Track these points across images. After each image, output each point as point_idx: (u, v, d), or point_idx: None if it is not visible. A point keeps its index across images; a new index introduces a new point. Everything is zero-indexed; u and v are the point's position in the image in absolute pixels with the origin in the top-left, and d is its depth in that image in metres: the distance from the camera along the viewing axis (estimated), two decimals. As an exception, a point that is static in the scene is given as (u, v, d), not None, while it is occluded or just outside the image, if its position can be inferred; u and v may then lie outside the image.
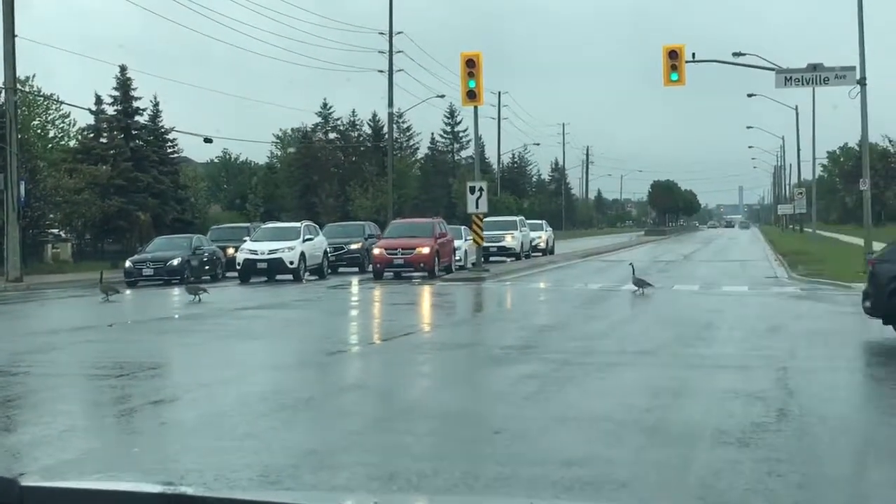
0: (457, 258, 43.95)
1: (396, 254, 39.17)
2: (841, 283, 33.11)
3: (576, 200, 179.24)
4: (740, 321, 22.55)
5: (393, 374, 15.54)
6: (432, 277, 38.80)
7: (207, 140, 68.37)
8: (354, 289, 35.79)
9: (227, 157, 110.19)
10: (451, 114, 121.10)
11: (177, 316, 25.74)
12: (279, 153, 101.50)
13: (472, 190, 41.08)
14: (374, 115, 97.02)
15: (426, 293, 33.05)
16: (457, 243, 44.02)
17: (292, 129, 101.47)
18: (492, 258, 51.50)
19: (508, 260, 52.03)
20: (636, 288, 30.69)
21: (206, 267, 42.52)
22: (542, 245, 59.90)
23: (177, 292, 35.34)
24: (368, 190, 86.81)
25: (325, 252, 43.32)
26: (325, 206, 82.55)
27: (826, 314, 24.54)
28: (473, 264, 42.83)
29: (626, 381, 13.94)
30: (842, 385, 13.89)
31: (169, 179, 66.97)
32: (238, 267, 40.84)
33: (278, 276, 40.47)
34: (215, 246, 44.63)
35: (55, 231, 59.24)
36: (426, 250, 39.06)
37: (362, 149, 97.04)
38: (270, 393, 12.91)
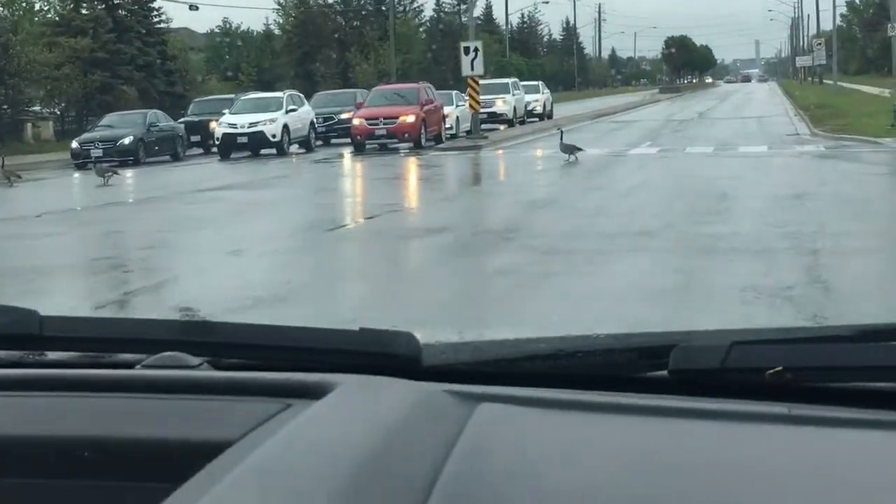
0: (447, 126, 40.88)
1: (378, 124, 35.90)
2: (868, 139, 30.09)
3: (589, 60, 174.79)
4: (759, 189, 19.72)
5: (333, 275, 12.78)
6: (419, 148, 35.76)
7: (193, 7, 65.35)
8: (335, 163, 32.85)
9: (228, 26, 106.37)
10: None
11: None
12: (280, 20, 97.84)
13: (467, 50, 37.92)
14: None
15: (410, 166, 30.18)
16: (447, 110, 40.86)
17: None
18: (483, 125, 48.15)
19: (501, 127, 48.20)
20: (565, 155, 27.71)
21: (164, 145, 39.09)
22: (539, 109, 55.32)
23: (129, 174, 32.58)
24: (370, 56, 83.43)
25: (312, 123, 40.25)
26: (324, 73, 79.22)
27: (856, 176, 21.67)
28: (468, 132, 39.81)
29: (618, 278, 11.14)
30: (891, 274, 11.14)
31: (156, 51, 63.61)
32: (216, 142, 37.95)
33: (262, 151, 37.55)
34: (181, 120, 41.30)
35: (36, 109, 56.14)
36: (411, 119, 35.79)
37: (364, 13, 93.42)
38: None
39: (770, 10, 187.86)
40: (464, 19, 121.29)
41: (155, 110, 41.58)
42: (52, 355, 1.78)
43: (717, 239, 13.47)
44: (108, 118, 40.99)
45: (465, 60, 37.69)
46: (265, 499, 1.16)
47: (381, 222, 16.88)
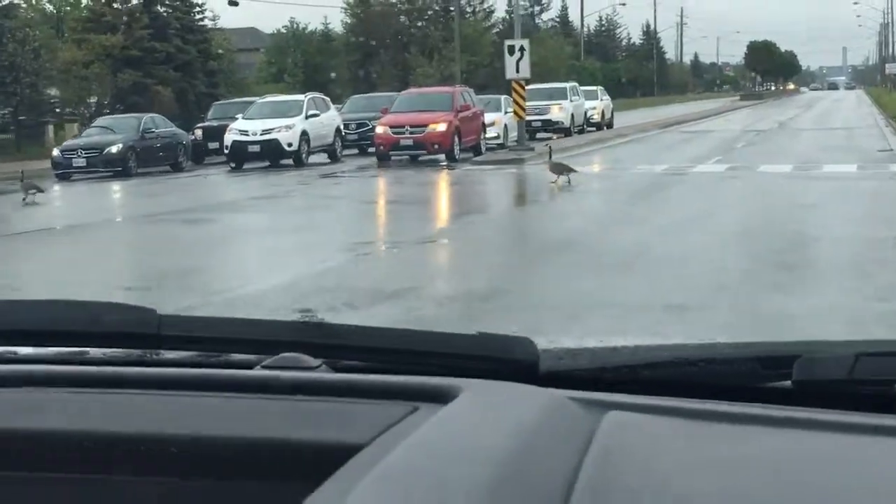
0: (493, 135, 36.19)
1: (404, 132, 31.20)
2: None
3: (670, 65, 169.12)
4: (849, 226, 14.93)
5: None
6: (452, 160, 31.10)
7: (233, 3, 61.30)
8: (343, 179, 28.29)
9: (295, 26, 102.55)
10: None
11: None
12: (348, 20, 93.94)
13: (511, 50, 33.27)
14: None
15: (433, 183, 25.59)
16: (492, 117, 36.15)
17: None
18: (537, 135, 43.36)
19: (555, 136, 43.45)
20: (554, 176, 22.96)
21: (161, 154, 34.55)
22: (597, 117, 49.94)
23: (117, 187, 28.35)
24: (434, 58, 79.22)
25: (339, 130, 35.78)
26: (382, 75, 75.01)
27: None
28: (517, 142, 35.15)
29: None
30: None
31: (196, 49, 59.56)
32: (226, 151, 33.62)
33: (279, 161, 33.16)
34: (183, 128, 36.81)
35: (61, 111, 52.30)
36: (441, 127, 31.05)
37: (429, 13, 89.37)
38: None
39: (858, 17, 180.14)
40: (538, 21, 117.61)
41: (153, 115, 37.17)
42: (170, 354, 1.78)
43: (784, 326, 8.75)
44: (99, 122, 36.81)
45: (510, 61, 33.07)
46: (408, 501, 1.17)
47: (355, 267, 12.28)
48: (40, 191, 23.27)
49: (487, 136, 35.83)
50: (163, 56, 56.32)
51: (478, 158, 32.10)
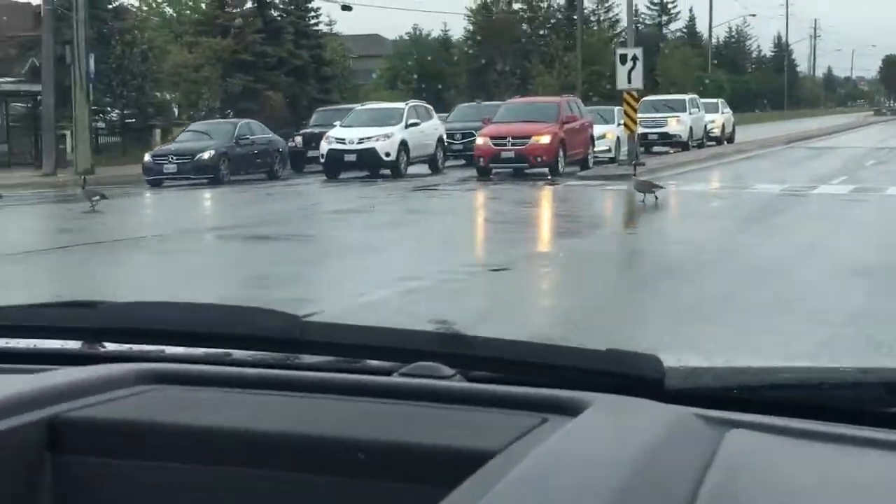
0: (604, 148, 34.29)
1: (505, 144, 29.44)
2: None
3: (802, 78, 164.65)
4: None
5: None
6: (556, 174, 29.29)
7: (346, 7, 60.27)
8: (436, 192, 26.68)
9: (418, 33, 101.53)
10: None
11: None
12: (471, 28, 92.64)
13: (623, 59, 31.37)
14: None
15: (529, 200, 23.80)
16: (603, 129, 34.28)
17: (477, 2, 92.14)
18: (653, 148, 41.25)
19: (672, 150, 41.38)
20: (640, 194, 21.29)
21: (256, 161, 33.22)
22: (717, 131, 47.41)
23: (207, 195, 27.09)
24: (555, 67, 77.58)
25: (441, 140, 34.23)
26: (500, 83, 73.46)
27: None
28: (627, 156, 33.22)
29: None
30: None
31: (308, 54, 58.54)
32: (322, 159, 32.29)
33: (377, 171, 31.73)
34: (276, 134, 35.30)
35: (176, 113, 51.67)
36: (545, 139, 29.25)
37: (552, 21, 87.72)
38: None
39: None
40: (665, 31, 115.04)
41: (249, 120, 35.93)
42: (311, 358, 1.83)
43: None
44: (193, 126, 35.73)
45: (621, 71, 31.17)
46: None
47: (401, 300, 10.69)
48: (103, 197, 22.10)
49: (598, 149, 34.05)
50: (274, 61, 55.41)
51: (584, 173, 30.28)
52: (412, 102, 35.48)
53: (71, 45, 37.36)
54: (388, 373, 1.73)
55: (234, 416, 1.52)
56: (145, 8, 60.22)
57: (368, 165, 31.59)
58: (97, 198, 21.86)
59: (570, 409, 1.50)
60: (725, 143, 47.35)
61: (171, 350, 1.87)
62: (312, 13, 61.21)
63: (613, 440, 1.41)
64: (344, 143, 31.46)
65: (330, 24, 68.68)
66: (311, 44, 59.78)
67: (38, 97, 39.94)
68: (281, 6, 59.62)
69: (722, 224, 18.54)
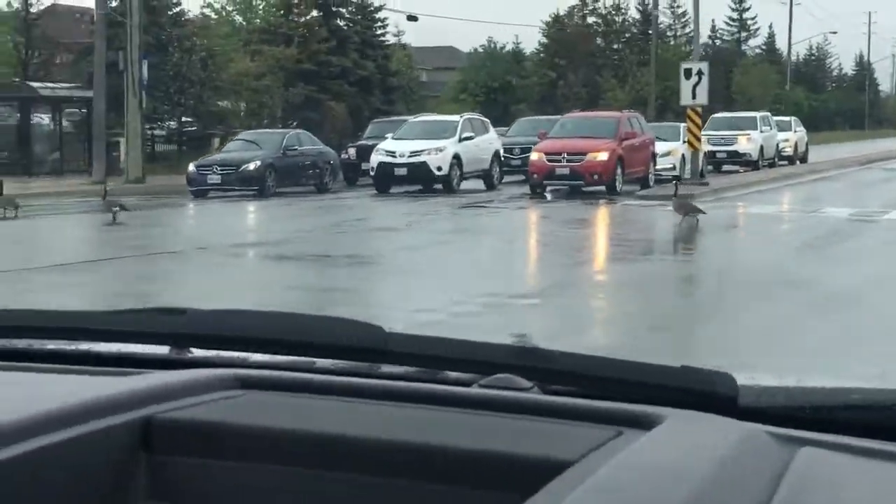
0: (668, 166, 32.85)
1: (560, 160, 28.07)
2: None
3: (886, 98, 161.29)
4: None
5: None
6: (613, 193, 27.94)
7: (411, 17, 59.35)
8: (491, 209, 25.47)
9: (491, 45, 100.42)
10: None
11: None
12: (545, 40, 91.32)
13: (688, 73, 30.00)
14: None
15: (582, 220, 22.49)
16: (667, 146, 32.84)
17: (551, 15, 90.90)
18: (722, 167, 39.71)
19: (742, 169, 39.77)
20: (679, 217, 20.00)
21: (305, 173, 32.12)
22: (789, 150, 45.62)
23: (246, 208, 26.10)
24: (627, 81, 76.27)
25: (497, 155, 32.98)
26: (569, 96, 72.16)
27: None
28: (690, 176, 31.82)
29: None
30: None
31: (374, 65, 57.57)
32: (371, 172, 31.22)
33: (429, 185, 30.58)
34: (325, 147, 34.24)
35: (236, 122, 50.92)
36: (603, 156, 27.88)
37: (627, 35, 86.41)
38: None
39: None
40: (744, 48, 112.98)
41: (298, 131, 34.93)
42: (393, 369, 1.87)
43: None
44: (242, 136, 34.75)
45: (685, 86, 29.82)
46: None
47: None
48: (124, 209, 21.13)
49: (662, 167, 32.64)
50: (338, 70, 54.50)
51: (643, 192, 28.89)
52: (467, 115, 34.30)
53: (124, 51, 36.67)
54: (468, 384, 1.77)
55: (317, 421, 1.56)
56: (215, 16, 59.83)
57: (419, 180, 30.48)
58: (117, 209, 20.92)
59: (645, 423, 1.53)
60: (798, 162, 45.66)
61: (255, 357, 1.91)
62: (379, 23, 60.35)
63: (687, 454, 1.41)
64: (394, 157, 30.37)
65: (398, 34, 67.97)
66: (377, 54, 58.87)
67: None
68: (347, 16, 58.76)
69: (780, 251, 17.16)
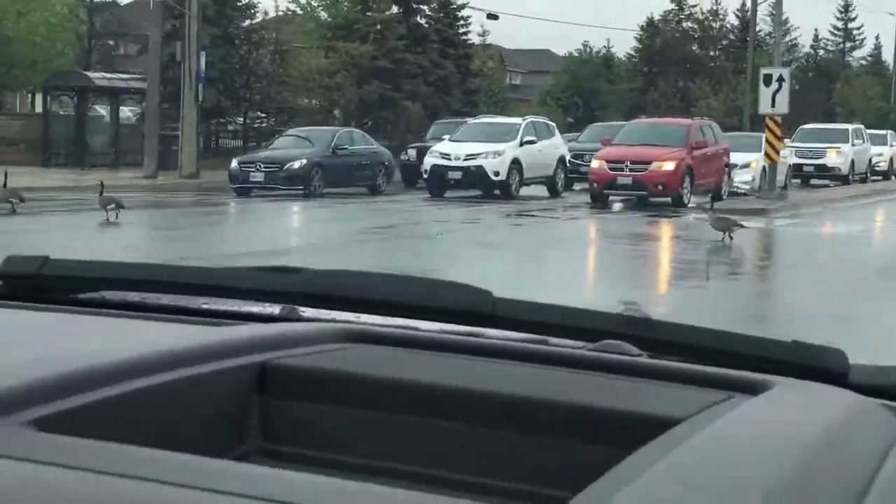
0: (746, 178, 30.63)
1: (622, 169, 26.08)
2: None
3: None
4: None
5: None
6: (678, 206, 25.73)
7: (492, 16, 57.64)
8: (540, 218, 23.47)
9: (587, 49, 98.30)
10: (845, 7, 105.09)
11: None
12: (638, 45, 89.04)
13: (767, 80, 27.75)
14: (743, 4, 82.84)
15: (636, 236, 20.35)
16: (746, 157, 30.59)
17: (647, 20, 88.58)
18: (811, 181, 37.32)
19: (831, 184, 37.33)
20: (719, 234, 18.19)
21: (356, 173, 30.27)
22: (883, 165, 42.91)
23: (281, 208, 24.37)
24: (722, 89, 73.89)
25: (562, 161, 30.99)
26: (660, 103, 69.92)
27: None
28: (782, 188, 29.53)
29: None
30: None
31: (454, 65, 55.73)
32: (424, 175, 29.45)
33: (489, 190, 28.69)
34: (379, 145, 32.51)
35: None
36: (669, 166, 25.72)
37: (724, 42, 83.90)
38: None
39: None
40: (848, 58, 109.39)
41: (350, 129, 33.24)
42: (499, 333, 1.86)
43: None
44: (292, 132, 33.12)
45: (765, 93, 27.59)
46: (721, 472, 1.22)
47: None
48: (121, 206, 19.46)
49: (740, 179, 30.52)
50: (415, 69, 52.75)
51: (714, 205, 26.63)
52: (530, 118, 32.34)
53: (182, 42, 35.33)
54: (577, 350, 1.77)
55: (426, 373, 1.59)
56: (300, 11, 58.63)
57: (475, 184, 28.61)
58: (112, 206, 19.28)
59: (757, 389, 1.53)
60: (893, 178, 43.02)
61: (365, 318, 1.93)
62: (462, 22, 58.51)
63: (796, 418, 1.41)
64: (449, 159, 28.57)
65: (483, 34, 66.19)
66: (458, 54, 57.06)
67: (154, 96, 38.06)
68: (429, 13, 57.05)
69: (844, 278, 15.02)
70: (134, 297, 2.03)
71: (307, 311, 1.98)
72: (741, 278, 15.74)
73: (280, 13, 56.99)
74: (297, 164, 28.13)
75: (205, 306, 2.00)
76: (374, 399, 1.56)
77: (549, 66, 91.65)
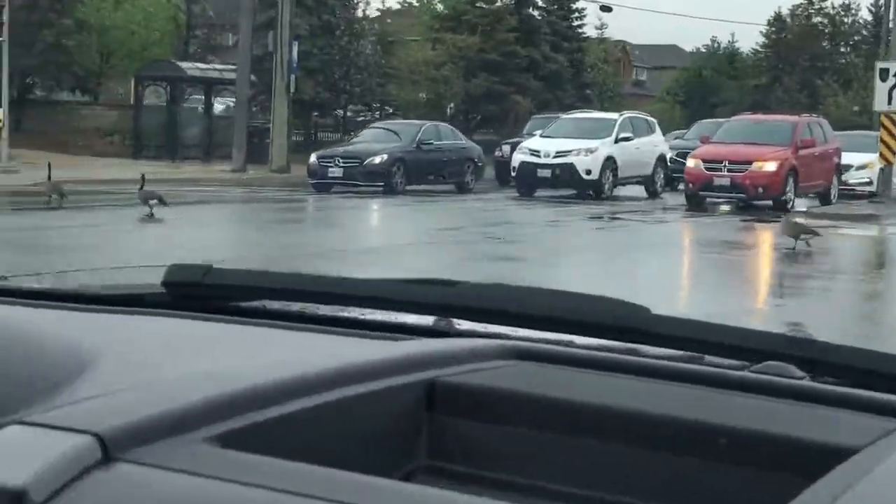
0: (863, 180, 28.57)
1: (720, 169, 24.15)
2: None
3: None
4: None
5: None
6: (781, 209, 23.68)
7: (605, 8, 55.78)
8: (625, 221, 21.83)
9: (715, 44, 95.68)
10: None
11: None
12: (765, 40, 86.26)
13: (884, 75, 25.66)
14: (877, -1, 79.76)
15: (728, 243, 18.57)
16: (863, 158, 28.51)
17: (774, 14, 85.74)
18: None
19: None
20: (792, 241, 16.45)
21: (442, 170, 28.73)
22: None
23: (345, 205, 23.14)
24: (851, 86, 71.05)
25: (662, 159, 29.23)
26: (784, 101, 67.47)
27: None
28: (881, 193, 27.42)
29: None
30: None
31: (566, 58, 54.01)
32: (513, 173, 27.96)
33: (582, 189, 27.10)
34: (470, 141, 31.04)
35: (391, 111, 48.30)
36: (770, 166, 23.74)
37: (855, 38, 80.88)
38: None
39: None
40: None
41: (437, 123, 31.77)
42: (657, 350, 1.83)
43: None
44: (378, 125, 31.96)
45: (881, 89, 25.53)
46: None
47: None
48: (162, 202, 18.21)
49: (856, 181, 28.50)
50: (525, 62, 51.17)
51: (821, 209, 24.72)
52: (628, 114, 30.57)
53: (274, 32, 34.39)
54: (736, 370, 1.73)
55: (591, 393, 1.57)
56: (416, 3, 57.68)
57: (565, 183, 27.03)
58: (155, 201, 18.07)
59: None
60: None
61: (519, 332, 1.91)
62: (576, 14, 56.72)
63: None
64: (538, 156, 27.05)
65: (601, 27, 64.29)
66: (571, 47, 55.33)
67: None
68: (541, 5, 55.41)
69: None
70: (294, 307, 2.05)
71: (462, 324, 1.96)
72: (841, 293, 13.93)
73: (398, 5, 56.11)
74: (377, 160, 26.83)
75: (361, 317, 1.99)
76: (540, 418, 1.55)
77: (676, 62, 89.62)
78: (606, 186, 27.17)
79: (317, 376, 1.46)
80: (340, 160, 27.08)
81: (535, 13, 54.87)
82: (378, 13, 53.48)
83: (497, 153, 32.13)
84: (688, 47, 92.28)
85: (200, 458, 1.17)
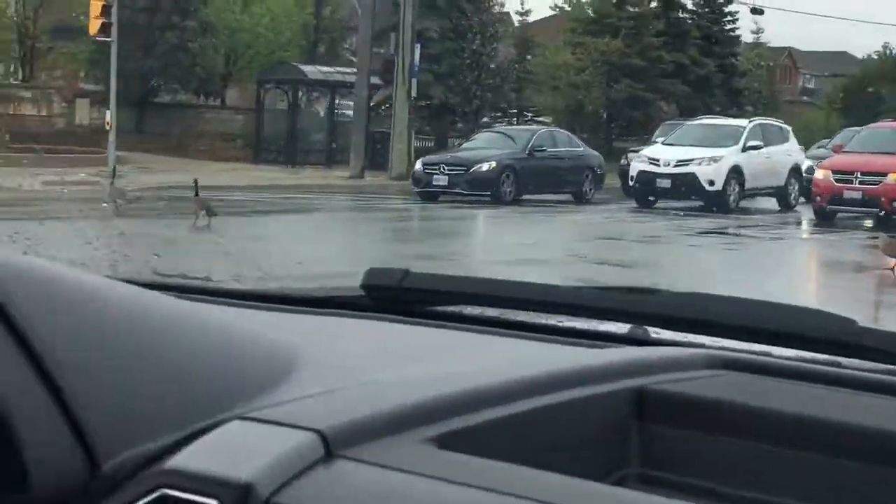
0: None
1: (852, 181, 22.06)
2: None
3: None
4: None
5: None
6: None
7: (756, 10, 53.26)
8: (737, 238, 19.85)
9: (888, 50, 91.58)
10: None
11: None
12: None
13: None
14: None
15: (832, 267, 16.61)
16: None
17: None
18: None
19: None
20: (891, 261, 14.59)
21: (557, 179, 26.85)
22: None
23: (429, 215, 21.71)
24: None
25: (796, 170, 27.02)
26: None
27: None
28: None
29: None
30: None
31: (716, 63, 51.63)
32: (631, 182, 26.15)
33: (711, 201, 25.13)
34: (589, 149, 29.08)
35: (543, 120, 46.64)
36: (907, 180, 21.64)
37: None
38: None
39: None
40: None
41: (551, 128, 30.03)
42: (865, 364, 1.79)
43: None
44: (487, 130, 30.40)
45: None
46: None
47: None
48: (213, 214, 16.80)
49: None
50: (672, 68, 49.03)
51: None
52: (758, 120, 28.46)
53: (397, 34, 33.19)
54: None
55: (800, 404, 1.54)
56: (568, 7, 56.17)
57: (686, 194, 25.14)
58: (204, 212, 16.72)
59: None
60: None
61: (719, 342, 1.88)
62: (729, 17, 54.25)
63: None
64: (657, 165, 25.22)
65: (757, 32, 61.63)
66: (722, 52, 52.93)
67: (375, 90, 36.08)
68: (691, 7, 53.15)
69: None
70: (492, 312, 2.03)
71: (662, 333, 1.94)
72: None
73: (549, 10, 54.53)
74: (484, 167, 25.29)
75: (560, 324, 1.99)
76: (752, 429, 1.53)
77: (846, 69, 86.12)
78: (731, 198, 25.19)
79: (529, 381, 1.46)
80: (445, 167, 25.63)
81: (685, 16, 52.71)
82: (519, 17, 51.97)
83: (622, 161, 30.36)
84: (859, 54, 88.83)
85: (419, 458, 1.18)
